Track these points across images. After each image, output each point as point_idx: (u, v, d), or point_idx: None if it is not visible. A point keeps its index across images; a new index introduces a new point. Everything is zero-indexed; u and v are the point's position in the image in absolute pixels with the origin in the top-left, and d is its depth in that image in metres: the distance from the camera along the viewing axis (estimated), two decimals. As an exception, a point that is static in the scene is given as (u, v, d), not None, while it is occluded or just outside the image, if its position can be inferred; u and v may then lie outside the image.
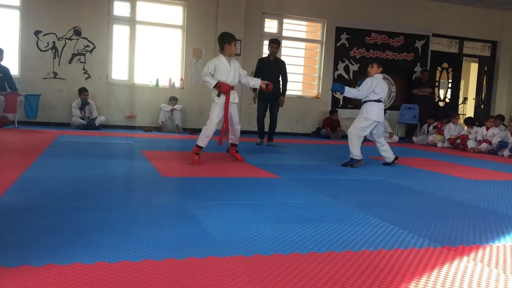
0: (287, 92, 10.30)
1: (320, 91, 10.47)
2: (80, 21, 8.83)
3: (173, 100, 9.21)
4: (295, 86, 10.64)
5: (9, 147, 5.45)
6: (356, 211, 3.01)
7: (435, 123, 9.64)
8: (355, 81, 10.62)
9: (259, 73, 7.25)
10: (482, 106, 12.11)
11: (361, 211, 3.02)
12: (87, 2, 8.82)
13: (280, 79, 7.36)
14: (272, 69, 7.24)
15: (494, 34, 11.56)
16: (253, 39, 8.75)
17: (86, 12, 8.83)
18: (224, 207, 2.93)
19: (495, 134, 8.33)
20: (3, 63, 8.06)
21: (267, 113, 7.48)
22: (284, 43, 10.16)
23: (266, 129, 7.68)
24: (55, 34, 8.74)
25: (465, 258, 2.16)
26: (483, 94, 12.12)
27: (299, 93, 10.67)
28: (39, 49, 8.65)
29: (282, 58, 10.09)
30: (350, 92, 5.31)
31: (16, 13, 8.56)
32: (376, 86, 5.28)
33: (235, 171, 4.63)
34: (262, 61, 7.50)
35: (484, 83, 12.07)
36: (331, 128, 10.03)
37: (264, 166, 4.94)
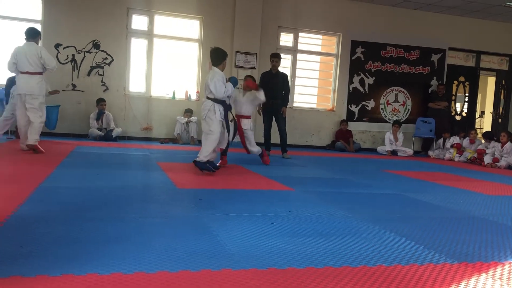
0: (302, 105, 10.46)
1: (335, 104, 10.45)
2: (99, 35, 9.00)
3: (188, 112, 9.29)
4: (310, 98, 10.65)
5: (28, 158, 5.54)
6: (371, 225, 2.98)
7: (454, 143, 9.49)
8: (371, 94, 10.61)
9: (263, 86, 7.45)
10: (500, 120, 11.95)
11: (377, 225, 3.00)
12: (106, 16, 8.99)
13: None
14: (275, 83, 7.43)
15: (512, 48, 11.45)
16: (268, 52, 8.75)
17: (105, 25, 9.00)
18: (238, 219, 2.94)
19: (508, 151, 8.17)
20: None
21: (275, 126, 7.55)
22: (299, 56, 10.21)
23: (273, 141, 7.75)
24: (74, 47, 8.91)
25: (483, 275, 2.12)
26: (501, 108, 11.96)
27: (314, 106, 10.67)
28: (59, 61, 8.81)
29: (298, 71, 10.20)
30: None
31: (38, 27, 8.74)
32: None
33: (250, 183, 4.64)
34: (264, 75, 7.68)
35: (502, 97, 11.92)
36: (344, 140, 10.00)
37: (279, 179, 4.93)
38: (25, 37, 6.11)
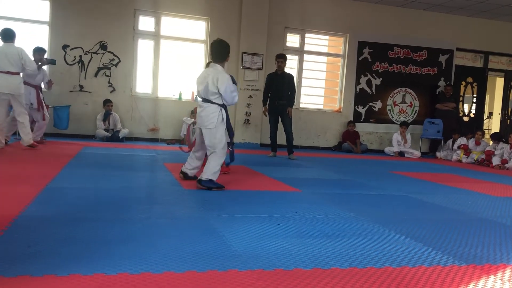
0: (308, 106, 10.44)
1: (341, 105, 10.42)
2: (106, 36, 9.04)
3: (194, 113, 9.30)
4: (316, 99, 10.63)
5: (35, 158, 5.57)
6: (378, 227, 2.96)
7: (461, 144, 9.43)
8: (378, 95, 10.57)
9: (269, 87, 7.51)
10: (508, 121, 11.86)
11: (384, 226, 2.98)
12: (113, 17, 9.03)
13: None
14: (280, 83, 7.45)
15: (521, 48, 11.36)
16: (275, 53, 8.74)
17: (112, 27, 9.04)
18: (245, 220, 2.93)
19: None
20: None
21: (281, 127, 7.55)
22: (306, 57, 10.19)
23: (279, 142, 7.76)
24: (81, 48, 8.95)
25: (491, 277, 2.10)
26: (509, 109, 11.86)
27: (321, 107, 10.64)
28: (66, 63, 8.87)
29: (304, 71, 10.18)
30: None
31: (46, 28, 8.81)
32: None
33: (256, 184, 4.63)
34: (270, 76, 7.70)
35: (510, 97, 11.82)
36: (350, 141, 9.96)
37: (285, 180, 4.93)
38: (1, 37, 6.21)
